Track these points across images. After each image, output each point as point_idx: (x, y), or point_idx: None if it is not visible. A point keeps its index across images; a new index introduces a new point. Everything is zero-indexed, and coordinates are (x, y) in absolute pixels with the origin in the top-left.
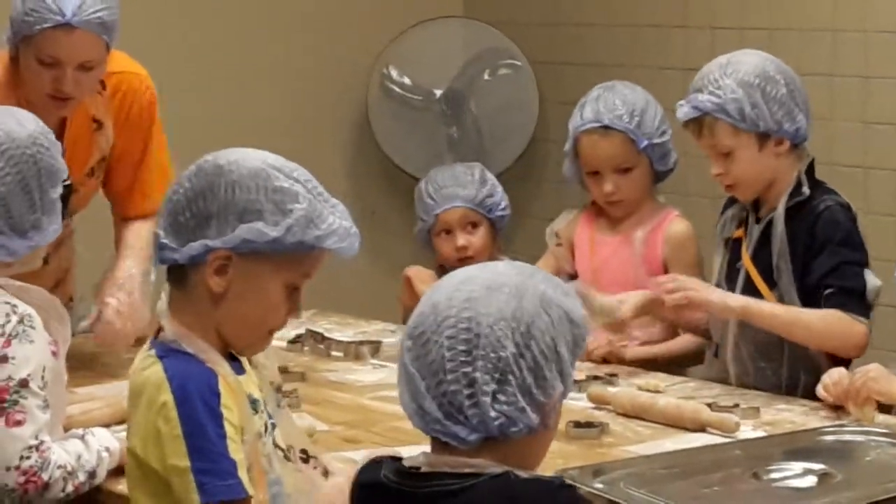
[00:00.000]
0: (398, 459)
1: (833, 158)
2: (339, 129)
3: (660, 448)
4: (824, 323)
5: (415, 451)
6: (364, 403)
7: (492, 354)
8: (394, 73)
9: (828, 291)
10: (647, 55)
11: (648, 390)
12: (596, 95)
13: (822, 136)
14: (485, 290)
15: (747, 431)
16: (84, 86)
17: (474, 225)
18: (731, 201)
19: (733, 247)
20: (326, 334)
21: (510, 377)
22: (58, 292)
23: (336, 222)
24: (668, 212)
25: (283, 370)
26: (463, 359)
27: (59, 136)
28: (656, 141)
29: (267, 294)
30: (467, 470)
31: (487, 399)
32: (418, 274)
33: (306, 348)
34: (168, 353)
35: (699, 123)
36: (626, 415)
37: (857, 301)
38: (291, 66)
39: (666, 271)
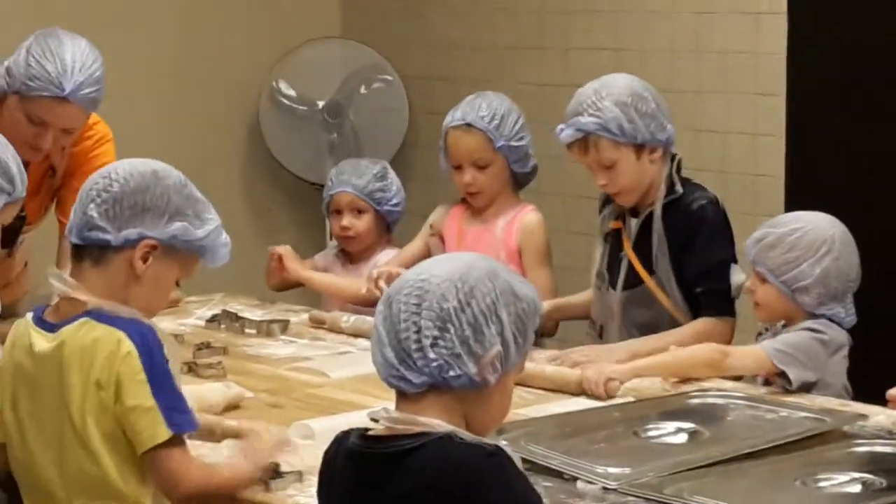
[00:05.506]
0: (363, 429)
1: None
2: (234, 136)
3: (545, 411)
4: (695, 333)
5: (330, 418)
6: (281, 373)
7: (435, 305)
8: (282, 87)
9: (699, 290)
10: (506, 72)
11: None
12: (468, 100)
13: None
14: (444, 261)
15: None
16: (60, 145)
17: (360, 211)
18: (608, 200)
19: (613, 238)
20: (240, 314)
21: (450, 326)
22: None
23: (227, 238)
24: (524, 206)
25: (207, 345)
26: (413, 311)
27: None
28: (513, 143)
29: (169, 284)
30: (418, 429)
31: (429, 342)
32: (286, 252)
33: (223, 326)
34: (104, 317)
35: (584, 142)
36: None
37: (722, 300)
38: (193, 81)
39: (520, 255)
